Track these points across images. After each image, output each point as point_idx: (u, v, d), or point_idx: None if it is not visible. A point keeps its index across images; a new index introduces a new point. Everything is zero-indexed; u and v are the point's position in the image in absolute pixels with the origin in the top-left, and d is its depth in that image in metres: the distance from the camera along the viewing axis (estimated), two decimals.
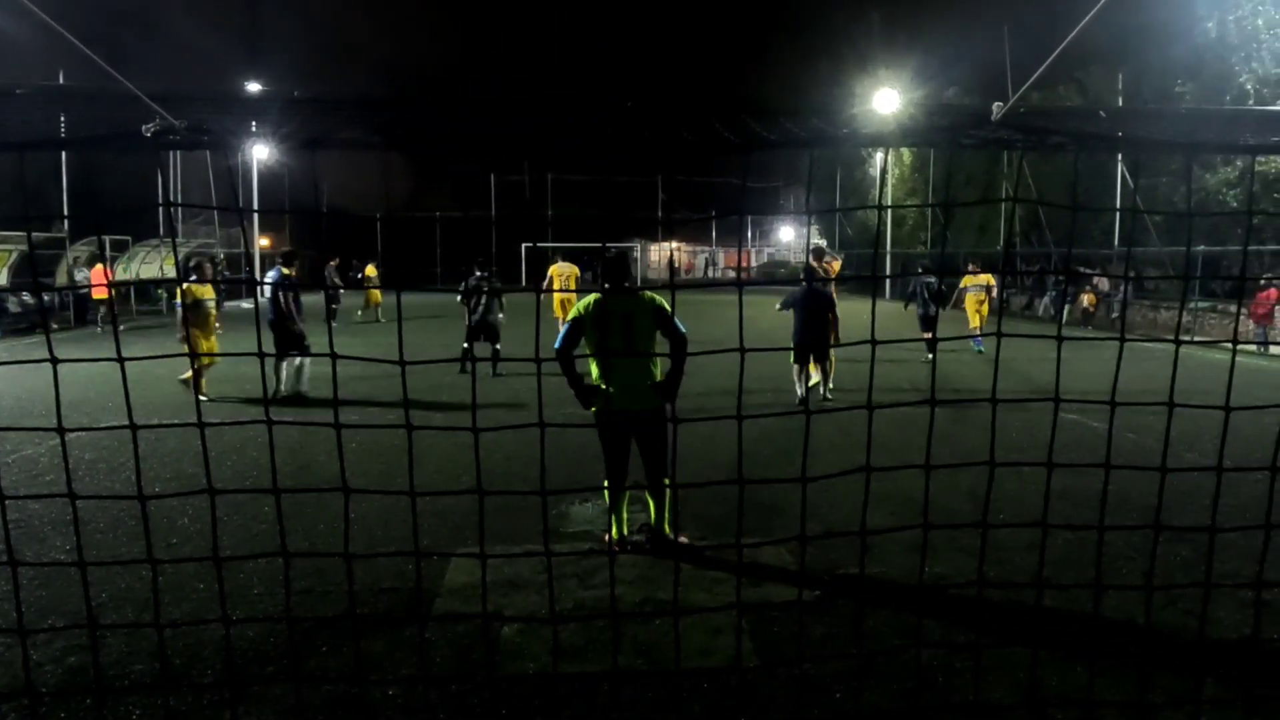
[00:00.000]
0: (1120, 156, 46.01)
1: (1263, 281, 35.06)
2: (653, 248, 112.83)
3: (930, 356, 26.10)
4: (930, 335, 26.51)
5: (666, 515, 10.84)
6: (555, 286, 34.80)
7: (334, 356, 5.15)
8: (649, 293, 11.14)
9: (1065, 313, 46.57)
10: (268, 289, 21.27)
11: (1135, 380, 15.82)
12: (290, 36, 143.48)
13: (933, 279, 29.00)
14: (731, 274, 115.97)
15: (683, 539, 11.12)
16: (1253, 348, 34.47)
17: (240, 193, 58.79)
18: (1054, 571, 10.40)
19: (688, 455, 15.24)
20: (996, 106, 5.73)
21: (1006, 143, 5.93)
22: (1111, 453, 5.74)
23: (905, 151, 76.64)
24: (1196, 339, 28.55)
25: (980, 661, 7.96)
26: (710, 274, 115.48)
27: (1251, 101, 40.33)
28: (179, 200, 61.88)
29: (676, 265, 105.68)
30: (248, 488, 12.69)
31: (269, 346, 18.90)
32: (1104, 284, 49.33)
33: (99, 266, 45.21)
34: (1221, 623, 9.17)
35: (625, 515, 10.91)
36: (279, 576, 8.86)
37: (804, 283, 20.84)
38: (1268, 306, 35.13)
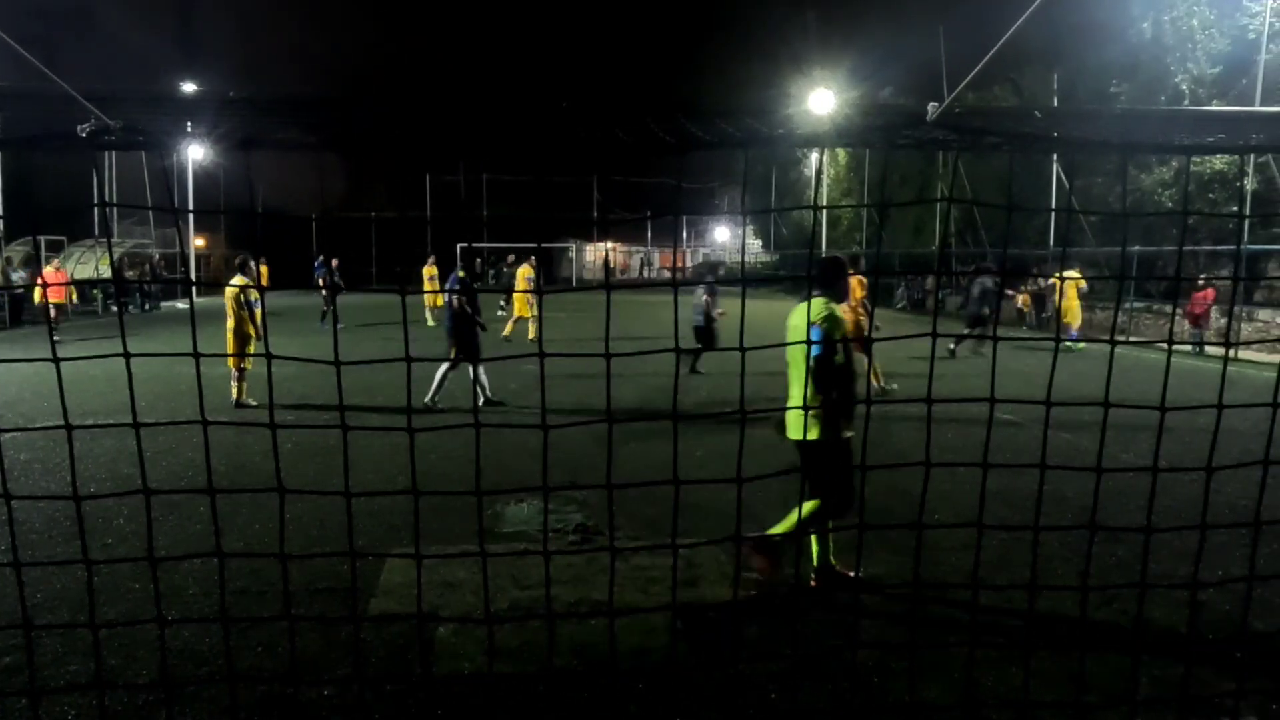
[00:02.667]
0: (1056, 157, 46.33)
1: (1200, 282, 35.33)
2: (588, 248, 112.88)
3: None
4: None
5: (830, 547, 10.27)
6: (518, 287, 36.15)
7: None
8: (823, 302, 10.07)
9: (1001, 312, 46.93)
10: (450, 296, 20.77)
11: (1070, 380, 15.88)
12: (226, 37, 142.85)
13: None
14: (666, 274, 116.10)
15: (850, 573, 10.33)
16: (1188, 348, 34.73)
17: (175, 193, 58.50)
18: (989, 572, 10.45)
19: (622, 455, 15.25)
20: (932, 107, 5.75)
21: (942, 143, 5.95)
22: (1047, 453, 5.78)
23: (840, 152, 76.99)
24: (1132, 339, 28.67)
25: (915, 662, 8.00)
26: (645, 274, 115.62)
27: (1186, 102, 40.65)
28: (114, 200, 61.57)
29: (612, 265, 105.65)
30: (183, 488, 12.65)
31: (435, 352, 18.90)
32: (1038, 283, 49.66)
33: (49, 269, 44.44)
34: (1157, 623, 9.24)
35: (822, 547, 10.23)
36: (214, 577, 8.83)
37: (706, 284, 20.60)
38: (1204, 307, 35.41)
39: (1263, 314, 39.66)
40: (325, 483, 13.75)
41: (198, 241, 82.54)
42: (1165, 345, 5.95)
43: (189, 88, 42.71)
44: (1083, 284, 34.07)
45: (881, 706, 7.70)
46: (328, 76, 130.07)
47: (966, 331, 29.43)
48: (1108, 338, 5.63)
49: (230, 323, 21.16)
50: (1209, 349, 34.47)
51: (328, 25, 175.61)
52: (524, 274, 41.01)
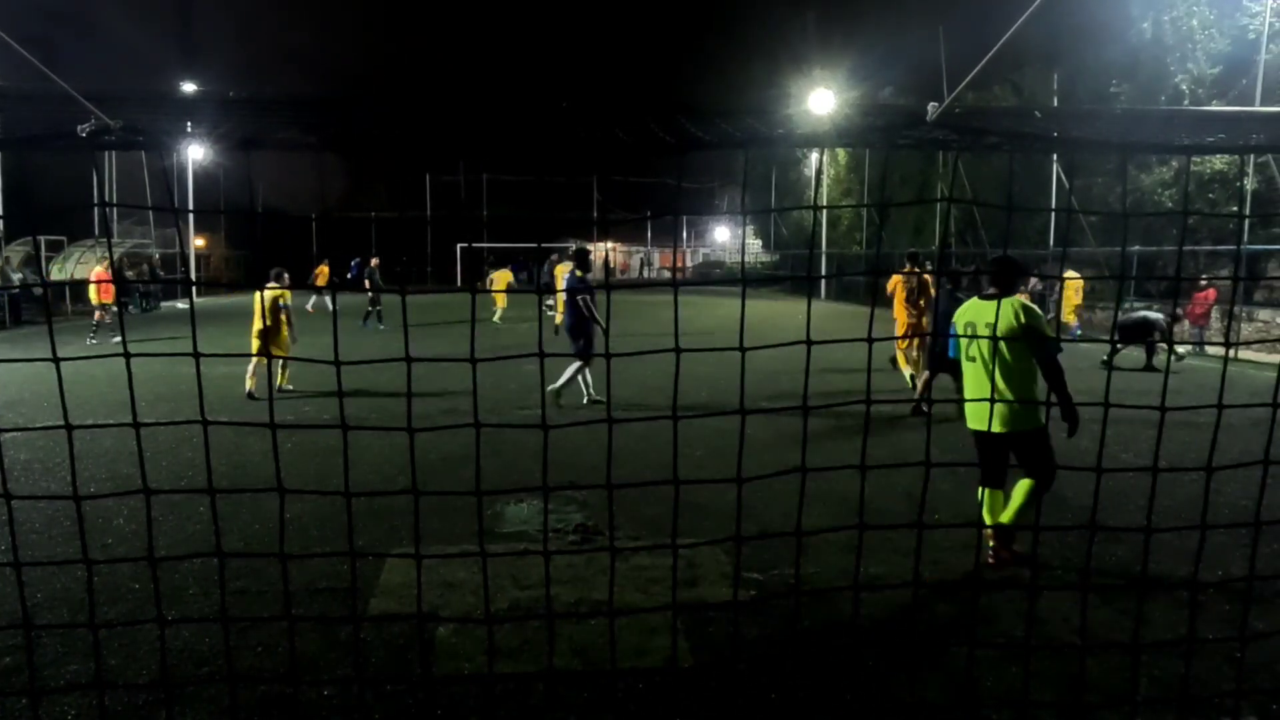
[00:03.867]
0: (1056, 157, 46.32)
1: (1202, 282, 35.25)
2: (588, 248, 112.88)
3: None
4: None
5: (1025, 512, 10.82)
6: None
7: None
8: (1019, 300, 10.56)
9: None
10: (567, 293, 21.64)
11: (1070, 380, 15.91)
12: (226, 37, 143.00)
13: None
14: (666, 274, 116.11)
15: (1016, 549, 11.07)
16: (1188, 348, 34.65)
17: (175, 193, 58.52)
18: (989, 572, 10.46)
19: (622, 455, 15.23)
20: (932, 107, 5.74)
21: (942, 143, 5.94)
22: None
23: (840, 152, 76.89)
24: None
25: (916, 662, 8.00)
26: (646, 274, 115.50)
27: (1186, 102, 40.63)
28: (114, 200, 61.53)
29: (612, 265, 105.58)
30: (183, 488, 12.64)
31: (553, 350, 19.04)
32: (1036, 284, 49.58)
33: (100, 267, 44.31)
34: (1156, 623, 9.24)
35: (998, 506, 10.92)
36: (214, 577, 8.83)
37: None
38: (1205, 307, 35.27)
39: (1263, 314, 39.64)
40: (325, 482, 13.74)
41: (198, 241, 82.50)
42: (1165, 345, 5.94)
43: (189, 88, 42.70)
44: (1079, 284, 34.32)
45: (881, 706, 7.70)
46: (328, 76, 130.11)
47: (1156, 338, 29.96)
48: (1108, 337, 5.63)
49: (263, 324, 21.72)
50: (1209, 349, 34.38)
51: (328, 25, 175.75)
52: (562, 271, 42.24)
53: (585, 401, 21.90)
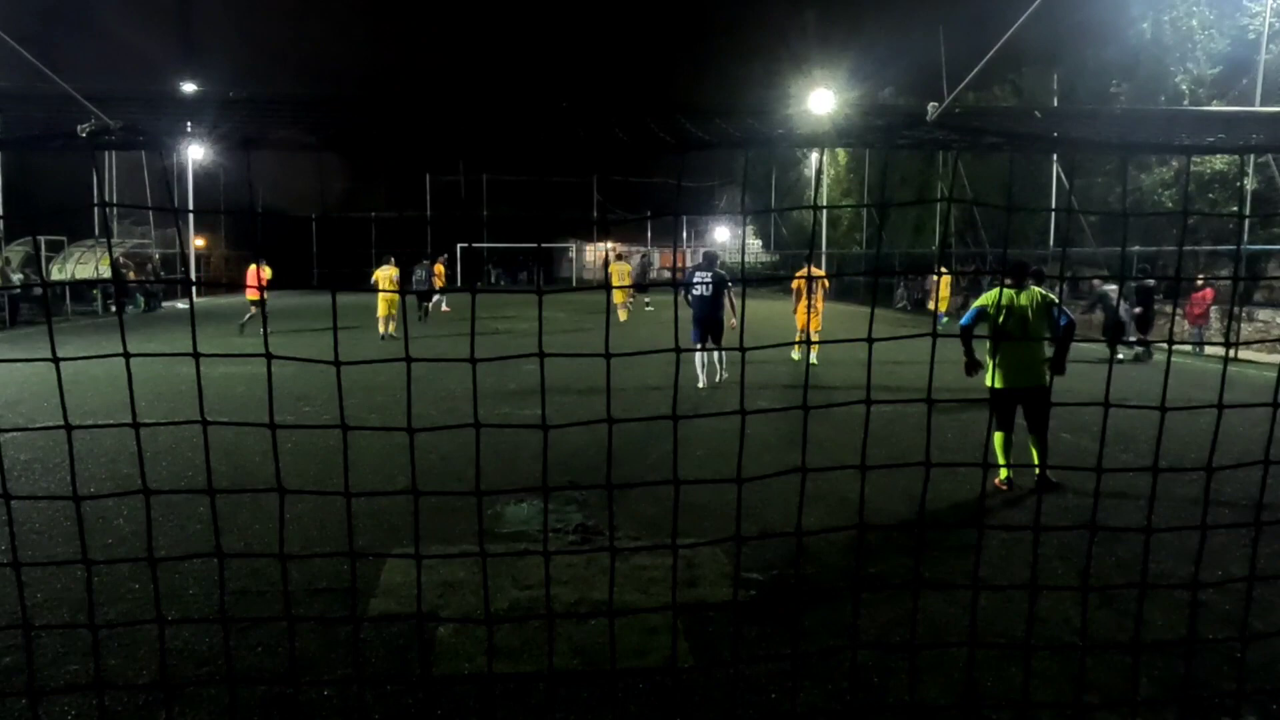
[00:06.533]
0: (1056, 157, 46.25)
1: (1199, 282, 35.19)
2: (588, 248, 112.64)
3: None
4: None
5: (1047, 461, 13.55)
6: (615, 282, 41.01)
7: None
8: (1040, 290, 13.70)
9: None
10: (703, 288, 22.65)
11: (1071, 380, 15.89)
12: (225, 37, 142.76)
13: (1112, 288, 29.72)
14: (667, 274, 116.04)
15: (1051, 478, 13.84)
16: (1188, 348, 34.61)
17: (175, 193, 58.52)
18: (990, 572, 10.45)
19: (622, 455, 15.23)
20: (932, 107, 5.73)
21: (942, 143, 5.95)
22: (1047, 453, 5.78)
23: (840, 152, 76.76)
24: (1133, 339, 28.68)
25: (915, 662, 7.99)
26: (645, 274, 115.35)
27: (1186, 102, 40.60)
28: (114, 200, 61.49)
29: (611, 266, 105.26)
30: (183, 488, 12.63)
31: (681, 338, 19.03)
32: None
33: (253, 267, 44.89)
34: (1156, 623, 9.22)
35: (1008, 445, 13.50)
36: (214, 577, 8.83)
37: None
38: (1203, 306, 35.20)
39: (1263, 314, 39.62)
40: (325, 482, 13.74)
41: (198, 241, 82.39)
42: (1165, 345, 5.94)
43: (189, 88, 42.74)
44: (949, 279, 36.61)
45: (881, 706, 7.70)
46: (328, 77, 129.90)
47: (1138, 337, 30.14)
48: (1108, 338, 5.61)
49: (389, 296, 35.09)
50: (1209, 349, 34.36)
51: (328, 26, 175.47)
52: (623, 269, 46.85)
53: (708, 383, 23.29)
